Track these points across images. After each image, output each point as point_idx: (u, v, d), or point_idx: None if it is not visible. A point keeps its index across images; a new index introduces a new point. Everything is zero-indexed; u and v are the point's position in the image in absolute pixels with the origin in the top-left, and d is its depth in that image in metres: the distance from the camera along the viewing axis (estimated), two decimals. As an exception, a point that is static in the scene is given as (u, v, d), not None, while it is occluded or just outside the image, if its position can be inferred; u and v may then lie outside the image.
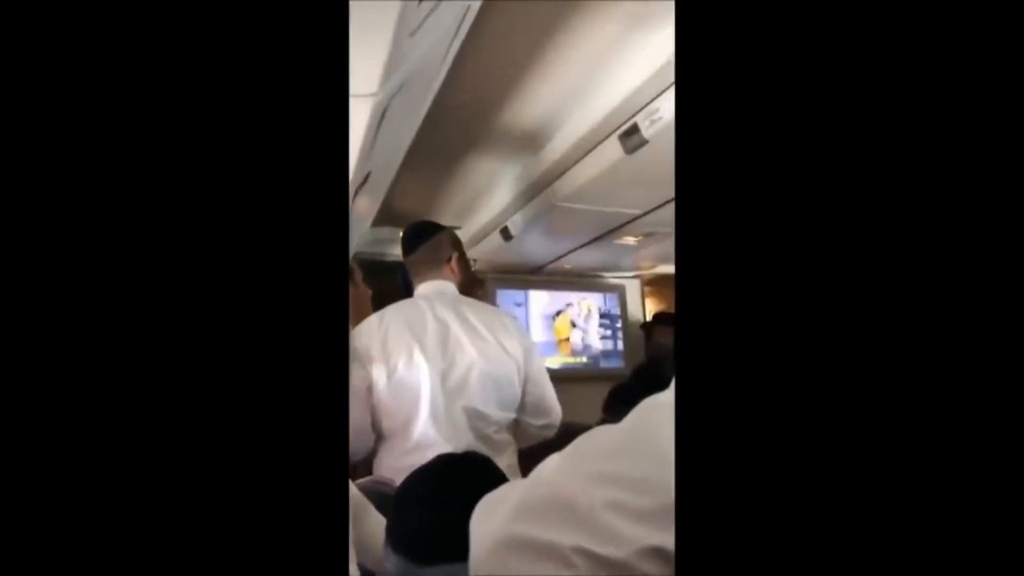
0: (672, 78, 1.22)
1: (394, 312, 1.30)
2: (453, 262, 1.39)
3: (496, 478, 0.55)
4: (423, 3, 0.65)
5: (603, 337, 2.76)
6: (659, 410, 0.42)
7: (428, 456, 1.18)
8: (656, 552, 0.35)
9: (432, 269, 1.38)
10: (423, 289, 1.37)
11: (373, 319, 1.29)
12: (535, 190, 1.79)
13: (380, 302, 1.39)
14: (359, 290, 1.52)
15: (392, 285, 1.54)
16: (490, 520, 0.44)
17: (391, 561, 0.57)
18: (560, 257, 2.42)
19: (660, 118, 1.30)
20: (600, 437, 0.44)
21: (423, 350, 1.22)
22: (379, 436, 1.26)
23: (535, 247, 2.24)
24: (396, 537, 0.57)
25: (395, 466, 1.19)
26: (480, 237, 2.21)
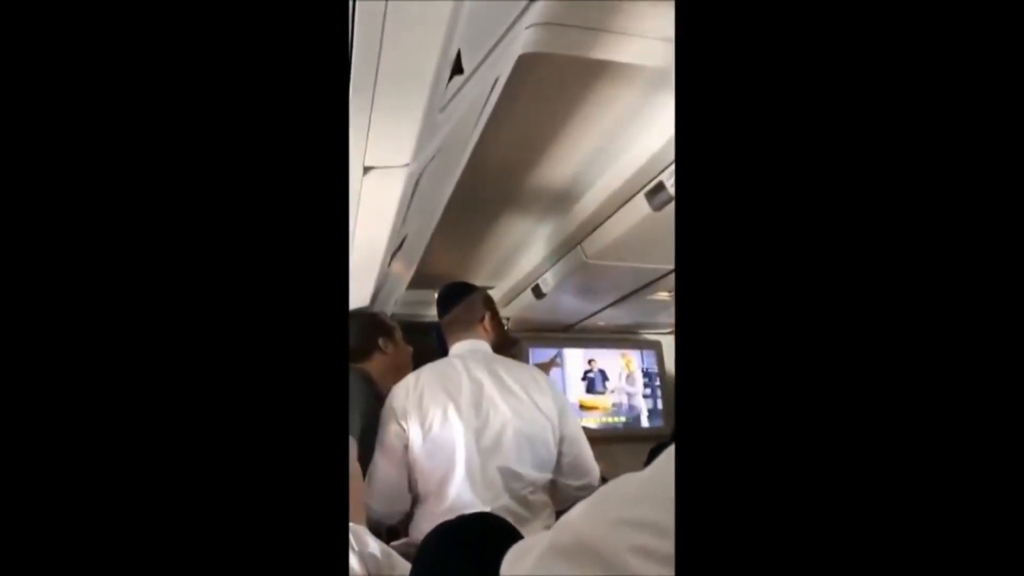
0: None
1: (430, 371, 1.32)
2: (486, 321, 1.42)
3: (514, 537, 0.55)
4: (452, 80, 0.70)
5: (644, 396, 2.71)
6: None
7: (459, 505, 1.17)
8: None
9: (466, 329, 1.40)
10: (457, 348, 1.39)
11: (409, 378, 1.31)
12: (565, 248, 1.82)
13: (419, 362, 1.42)
14: (400, 348, 1.55)
15: (429, 345, 1.57)
16: (519, 565, 0.44)
17: None
18: (594, 314, 2.42)
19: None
20: (624, 484, 0.44)
21: (458, 409, 1.22)
22: (415, 498, 1.25)
23: (567, 304, 2.25)
24: None
25: (433, 518, 1.18)
26: (512, 296, 2.23)
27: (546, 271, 1.97)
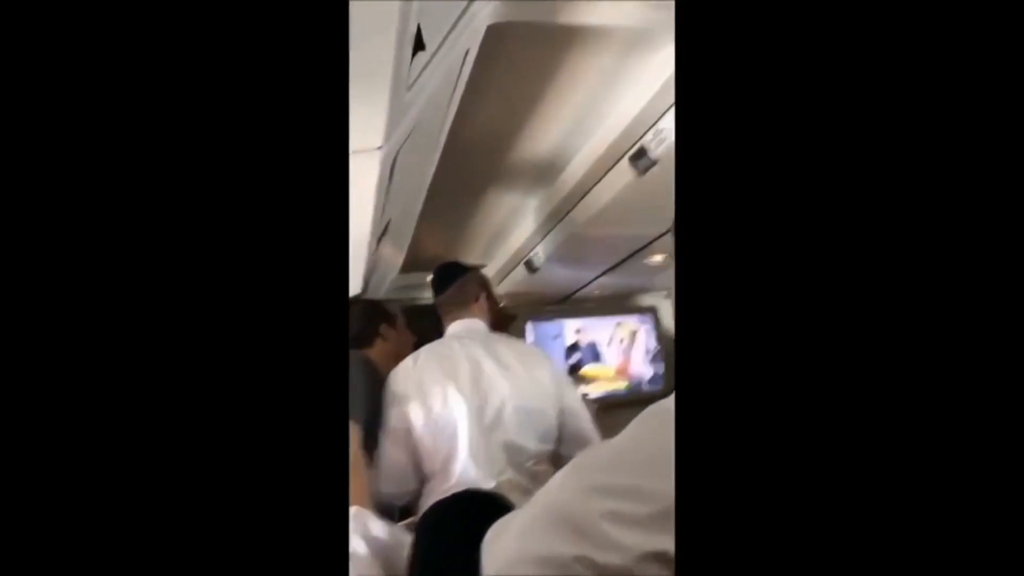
0: (671, 99, 1.24)
1: (427, 353, 1.33)
2: (481, 300, 1.43)
3: (507, 510, 0.56)
4: (416, 57, 0.69)
5: (647, 363, 2.73)
6: (653, 418, 0.43)
7: (464, 479, 1.19)
8: (656, 557, 0.35)
9: (461, 309, 1.41)
10: (453, 328, 1.39)
11: (407, 362, 1.32)
12: (553, 220, 1.81)
13: (421, 345, 1.42)
14: (401, 334, 1.55)
15: (429, 327, 1.58)
16: (499, 542, 0.44)
17: None
18: (589, 283, 2.43)
19: (665, 138, 1.31)
20: (595, 451, 0.44)
21: (457, 388, 1.24)
22: (423, 477, 1.27)
23: (561, 276, 2.26)
24: (413, 569, 0.58)
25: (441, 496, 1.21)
26: (506, 272, 2.23)
27: (537, 245, 1.97)
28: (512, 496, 1.18)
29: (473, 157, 1.52)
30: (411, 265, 2.11)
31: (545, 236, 1.90)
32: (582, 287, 2.48)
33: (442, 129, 1.20)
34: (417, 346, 1.44)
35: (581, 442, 1.33)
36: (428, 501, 1.25)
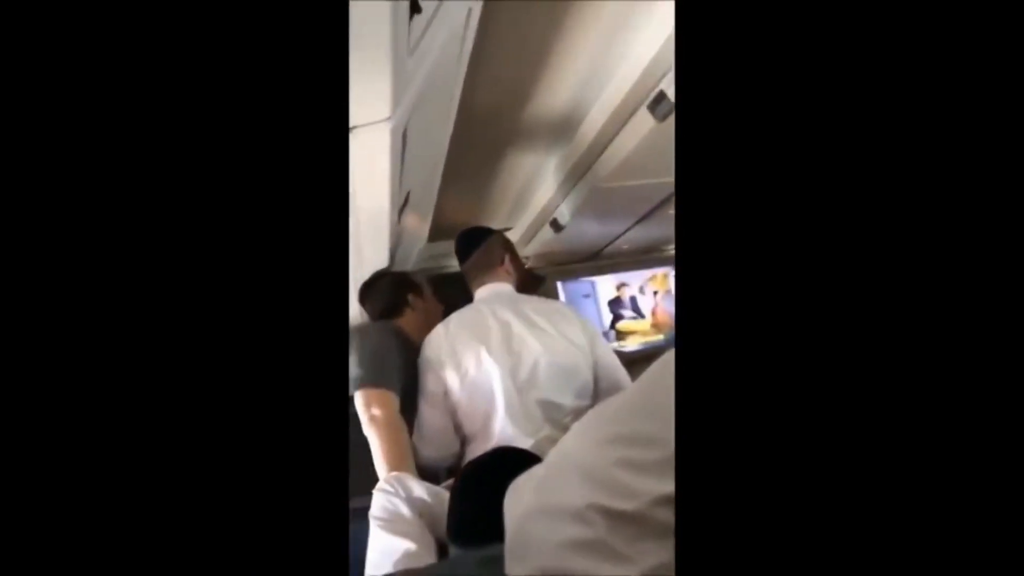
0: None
1: (457, 319, 1.35)
2: (506, 263, 1.43)
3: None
4: (413, 20, 0.68)
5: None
6: (661, 365, 0.43)
7: (500, 435, 1.22)
8: (668, 500, 0.35)
9: (487, 273, 1.41)
10: (481, 293, 1.40)
11: (439, 329, 1.34)
12: (575, 176, 1.78)
13: (451, 311, 1.44)
14: (429, 303, 1.57)
15: (458, 295, 1.59)
16: (517, 496, 0.46)
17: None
18: (617, 238, 2.40)
19: (684, 80, 1.27)
20: (608, 403, 0.45)
21: (489, 351, 1.25)
22: (463, 439, 1.30)
23: (588, 233, 2.23)
24: (450, 527, 0.60)
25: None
26: (532, 233, 2.22)
27: (561, 203, 1.95)
28: (549, 452, 1.20)
29: (488, 119, 1.50)
30: (437, 234, 2.12)
31: (568, 193, 1.87)
32: (610, 242, 2.45)
33: (452, 94, 1.18)
34: (446, 314, 1.46)
35: (614, 390, 1.34)
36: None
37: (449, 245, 2.34)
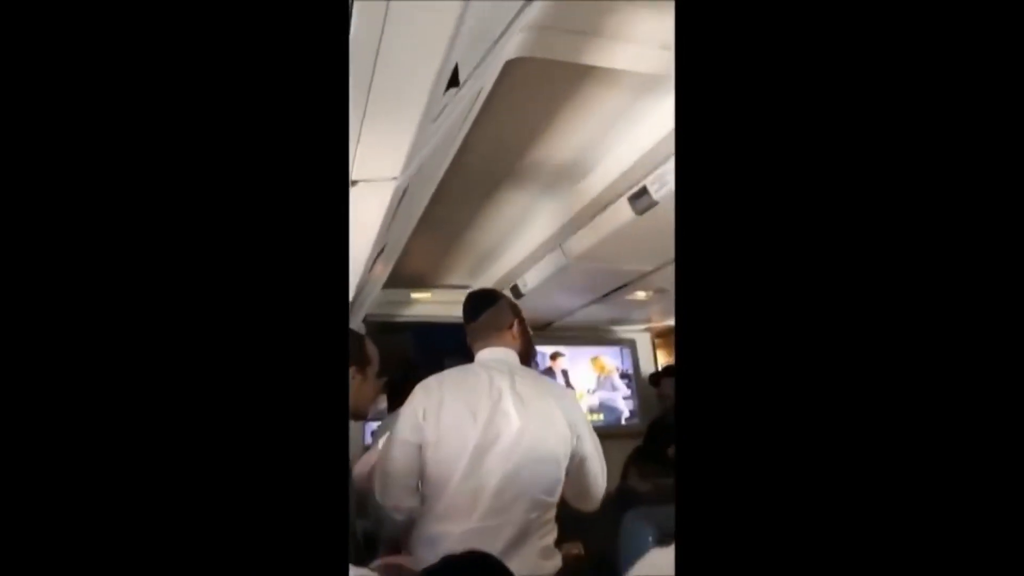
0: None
1: (454, 377, 1.29)
2: (515, 329, 1.39)
3: None
4: (448, 92, 0.67)
5: (624, 397, 2.73)
6: None
7: (453, 529, 1.15)
8: None
9: (494, 336, 1.36)
10: (484, 355, 1.35)
11: (432, 381, 1.28)
12: (546, 249, 1.80)
13: (386, 363, 1.37)
14: (368, 383, 1.42)
15: (399, 346, 1.52)
16: None
17: None
18: (571, 313, 2.42)
19: (668, 181, 1.32)
20: None
21: (473, 419, 1.20)
22: (420, 500, 1.23)
23: (545, 304, 2.25)
24: None
25: (421, 534, 1.18)
26: (490, 296, 2.21)
27: (525, 271, 1.95)
28: (487, 541, 1.15)
29: (473, 181, 1.51)
30: (394, 281, 2.08)
31: (536, 264, 1.89)
32: (562, 316, 2.47)
33: (446, 159, 1.18)
34: (384, 363, 1.39)
35: (584, 499, 1.30)
36: (421, 529, 1.21)
37: (402, 293, 2.31)
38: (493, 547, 1.15)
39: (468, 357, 1.39)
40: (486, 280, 2.21)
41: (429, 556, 1.09)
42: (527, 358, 1.39)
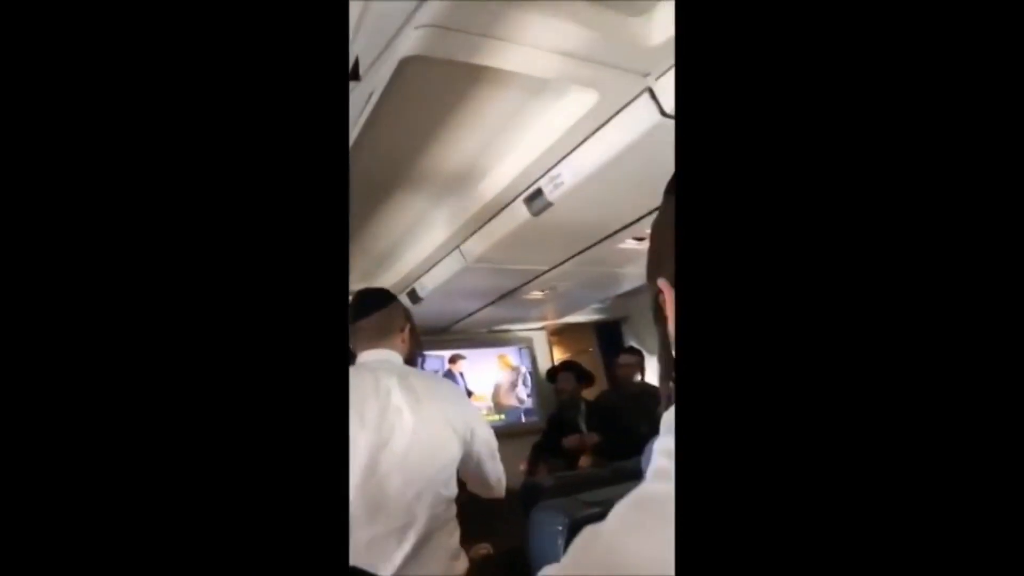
0: (570, 146, 1.29)
1: None
2: (405, 332, 1.35)
3: None
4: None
5: (525, 395, 2.77)
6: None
7: (360, 537, 1.11)
8: None
9: (382, 338, 1.31)
10: (367, 356, 1.30)
11: None
12: (443, 252, 1.79)
13: None
14: None
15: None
16: None
17: None
18: (469, 315, 2.43)
19: (562, 182, 1.36)
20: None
21: (361, 421, 1.15)
22: None
23: (443, 307, 2.23)
24: None
25: None
26: (387, 301, 2.16)
27: (422, 275, 1.93)
28: (394, 545, 1.12)
29: (367, 183, 1.47)
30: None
31: (432, 267, 1.87)
32: (462, 319, 2.47)
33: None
34: None
35: (485, 487, 1.31)
36: None
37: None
38: (402, 551, 1.13)
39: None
40: (381, 284, 2.15)
41: None
42: (411, 362, 1.37)
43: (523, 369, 2.80)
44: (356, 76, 0.62)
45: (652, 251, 0.48)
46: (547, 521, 0.95)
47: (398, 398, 1.20)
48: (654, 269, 0.47)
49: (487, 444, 1.30)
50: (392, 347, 1.31)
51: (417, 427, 1.18)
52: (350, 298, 1.40)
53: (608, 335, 3.19)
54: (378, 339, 1.31)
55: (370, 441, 1.14)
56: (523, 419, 2.72)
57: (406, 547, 1.14)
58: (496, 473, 1.32)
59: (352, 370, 1.28)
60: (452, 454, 1.22)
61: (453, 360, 2.68)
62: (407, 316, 1.38)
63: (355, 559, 1.09)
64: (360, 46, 0.58)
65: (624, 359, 2.63)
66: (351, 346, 1.33)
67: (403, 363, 1.32)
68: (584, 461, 2.36)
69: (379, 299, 1.36)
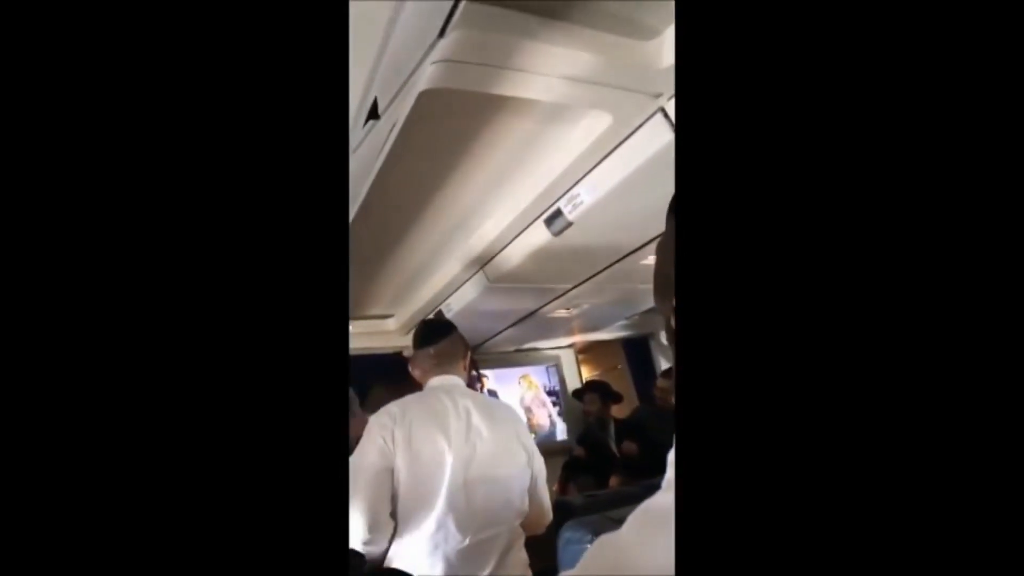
0: (587, 167, 1.32)
1: (416, 399, 1.32)
2: (467, 359, 1.43)
3: None
4: (367, 124, 0.68)
5: (552, 415, 2.77)
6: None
7: (449, 550, 1.16)
8: None
9: (450, 364, 1.40)
10: (436, 382, 1.37)
11: (394, 407, 1.28)
12: (467, 274, 1.82)
13: None
14: (358, 420, 1.44)
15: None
16: None
17: None
18: (495, 335, 2.45)
19: (581, 202, 1.39)
20: None
21: (447, 439, 1.22)
22: (394, 529, 1.21)
23: (469, 328, 2.26)
24: None
25: (411, 553, 1.18)
26: (411, 325, 2.20)
27: (448, 297, 1.97)
28: (484, 555, 1.16)
29: (389, 211, 1.51)
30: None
31: (457, 289, 1.91)
32: (488, 338, 2.49)
33: (362, 190, 1.18)
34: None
35: (537, 516, 1.34)
36: (398, 549, 1.19)
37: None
38: (489, 561, 1.20)
39: (396, 385, 1.40)
40: (409, 308, 2.20)
41: None
42: (471, 387, 1.47)
43: (544, 388, 2.80)
44: (375, 115, 0.65)
45: (658, 274, 0.49)
46: (574, 539, 0.96)
47: (476, 418, 1.27)
48: (662, 291, 0.48)
49: (542, 468, 1.36)
50: (457, 373, 1.39)
51: (496, 445, 1.26)
52: (415, 328, 1.48)
53: (636, 351, 3.17)
54: (446, 365, 1.38)
55: (457, 457, 1.21)
56: (551, 439, 2.72)
57: (493, 557, 1.21)
58: (548, 503, 1.37)
59: (429, 393, 1.35)
60: (524, 469, 1.30)
61: (478, 379, 2.70)
62: (467, 345, 1.45)
63: (448, 570, 1.16)
64: (379, 84, 0.61)
65: (662, 383, 2.60)
66: (416, 374, 1.41)
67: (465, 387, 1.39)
68: (614, 480, 2.34)
69: (443, 327, 1.47)
